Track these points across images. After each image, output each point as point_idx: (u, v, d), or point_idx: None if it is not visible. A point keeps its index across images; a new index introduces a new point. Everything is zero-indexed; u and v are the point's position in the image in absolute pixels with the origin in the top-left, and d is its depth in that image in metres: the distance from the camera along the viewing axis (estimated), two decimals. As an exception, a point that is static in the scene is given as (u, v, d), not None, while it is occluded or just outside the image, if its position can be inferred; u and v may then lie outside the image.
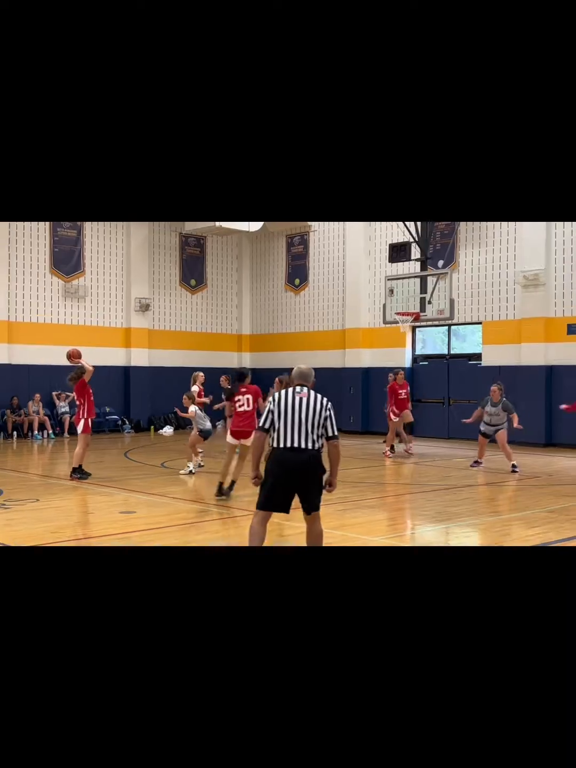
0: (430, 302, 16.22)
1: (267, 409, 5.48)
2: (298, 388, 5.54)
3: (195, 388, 14.33)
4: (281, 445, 5.38)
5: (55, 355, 19.41)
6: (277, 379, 10.26)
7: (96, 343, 20.36)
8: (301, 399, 5.44)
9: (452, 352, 19.12)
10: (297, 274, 22.17)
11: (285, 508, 5.49)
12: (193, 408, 11.96)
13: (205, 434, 11.94)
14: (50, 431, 18.64)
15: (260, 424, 5.44)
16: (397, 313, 16.55)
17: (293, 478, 5.39)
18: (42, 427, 18.63)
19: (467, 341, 19.23)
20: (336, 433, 5.52)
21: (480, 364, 18.15)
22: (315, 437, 5.40)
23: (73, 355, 11.43)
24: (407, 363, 19.60)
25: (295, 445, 5.35)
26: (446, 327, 19.07)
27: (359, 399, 20.32)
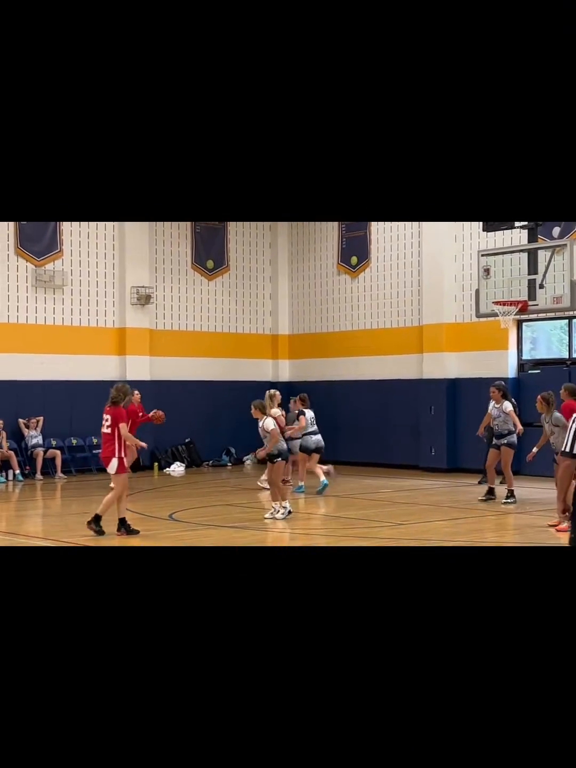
0: (542, 286, 16.06)
1: None
2: None
3: (277, 411, 15.44)
4: None
5: (22, 367, 19.43)
6: (539, 397, 12.63)
7: (79, 349, 20.33)
8: None
9: (575, 355, 18.89)
10: (354, 249, 22.06)
11: None
12: (272, 422, 12.50)
13: (285, 456, 12.81)
14: (17, 471, 18.71)
15: (571, 449, 6.46)
16: (496, 303, 16.40)
17: None
18: (6, 465, 18.70)
19: (595, 340, 18.90)
20: None
21: (615, 372, 17.82)
22: None
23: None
24: (510, 372, 19.29)
25: None
26: (566, 320, 18.84)
27: (443, 423, 20.01)
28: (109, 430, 11.35)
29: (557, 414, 12.38)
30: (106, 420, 11.43)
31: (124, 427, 11.30)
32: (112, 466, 11.25)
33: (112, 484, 11.60)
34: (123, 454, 11.24)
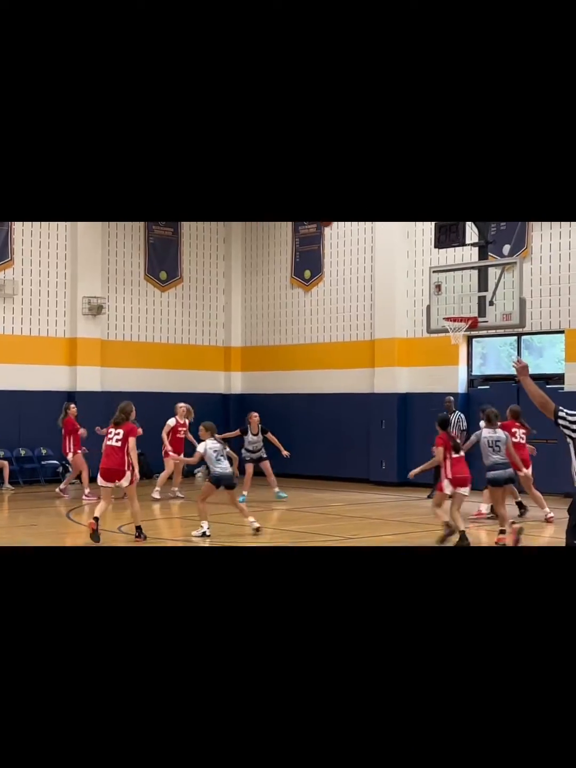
0: (492, 303, 16.11)
1: None
2: None
3: (172, 422, 15.64)
4: None
5: (-29, 376, 19.39)
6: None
7: (29, 358, 20.28)
8: None
9: (523, 371, 19.19)
10: (308, 263, 22.23)
11: None
12: (205, 446, 12.38)
13: (223, 481, 12.31)
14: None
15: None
16: (447, 319, 16.47)
17: None
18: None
19: (544, 356, 19.28)
20: None
21: (562, 388, 18.09)
22: None
23: None
24: (460, 387, 19.56)
25: None
26: (515, 337, 19.12)
27: (394, 436, 20.21)
28: (118, 444, 11.81)
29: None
30: (117, 434, 11.87)
31: (133, 442, 11.82)
32: (126, 480, 11.78)
33: (100, 497, 12.17)
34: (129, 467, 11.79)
